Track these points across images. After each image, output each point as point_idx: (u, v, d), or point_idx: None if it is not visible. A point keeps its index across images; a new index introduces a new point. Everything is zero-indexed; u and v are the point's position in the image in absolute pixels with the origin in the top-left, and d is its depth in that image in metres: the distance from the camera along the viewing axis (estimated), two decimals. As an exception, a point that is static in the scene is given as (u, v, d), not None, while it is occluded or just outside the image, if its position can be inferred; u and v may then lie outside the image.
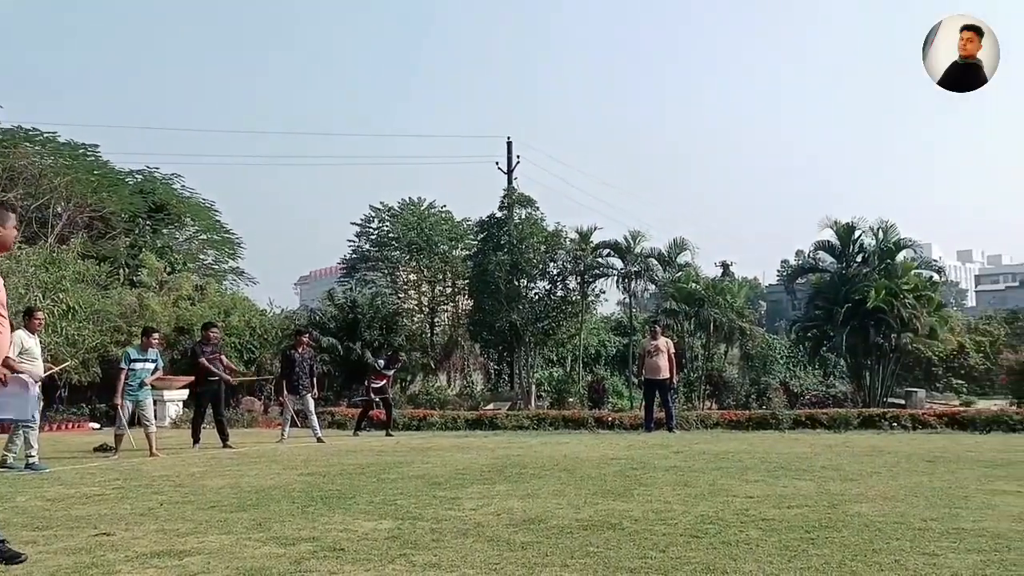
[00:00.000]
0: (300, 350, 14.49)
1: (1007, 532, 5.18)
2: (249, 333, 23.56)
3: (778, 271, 75.98)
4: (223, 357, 13.83)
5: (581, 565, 4.44)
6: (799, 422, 16.00)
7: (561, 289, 28.77)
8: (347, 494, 7.16)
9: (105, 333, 19.88)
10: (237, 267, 36.86)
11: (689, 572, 4.28)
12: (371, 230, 41.43)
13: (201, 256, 34.72)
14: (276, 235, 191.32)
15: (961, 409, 18.40)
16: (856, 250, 30.31)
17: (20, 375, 5.62)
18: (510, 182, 29.69)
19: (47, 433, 15.34)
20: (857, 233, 30.05)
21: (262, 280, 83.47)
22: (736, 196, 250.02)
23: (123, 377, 11.51)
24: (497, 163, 30.63)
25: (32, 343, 9.91)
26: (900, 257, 29.74)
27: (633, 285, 30.87)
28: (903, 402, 26.17)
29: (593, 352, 37.63)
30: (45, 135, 29.21)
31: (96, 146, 30.72)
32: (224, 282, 32.55)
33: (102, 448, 12.09)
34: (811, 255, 32.75)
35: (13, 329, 9.60)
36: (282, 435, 14.03)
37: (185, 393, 18.58)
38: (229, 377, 13.80)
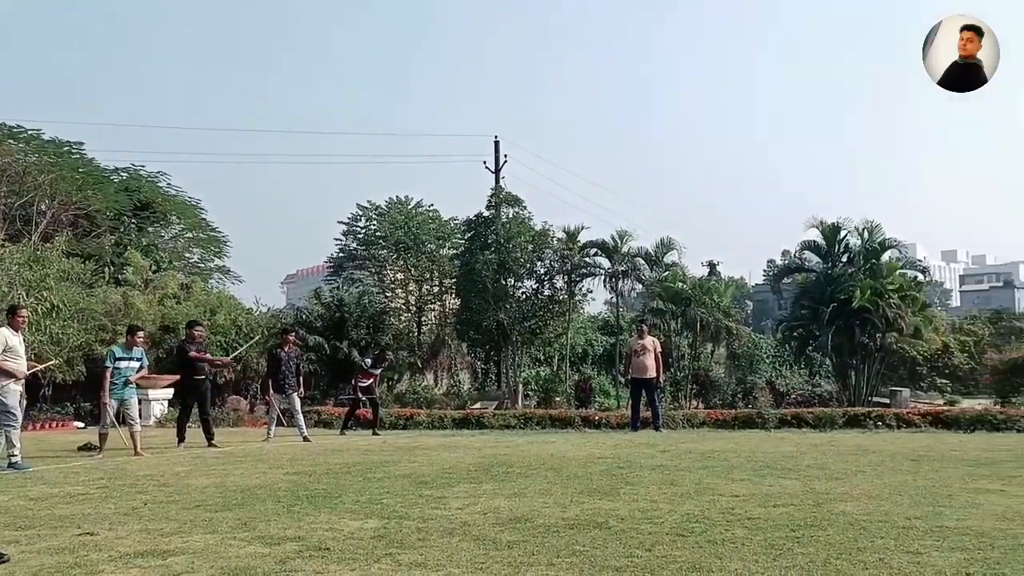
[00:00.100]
0: (286, 349, 14.45)
1: (990, 531, 5.22)
2: (235, 332, 23.45)
3: (764, 271, 76.32)
4: (207, 355, 13.79)
5: (567, 564, 4.44)
6: (785, 421, 16.04)
7: (548, 288, 28.75)
8: (333, 493, 7.14)
9: (90, 332, 19.74)
10: (223, 265, 36.73)
11: (675, 571, 4.29)
12: (358, 229, 41.36)
13: (187, 254, 34.55)
14: (263, 234, 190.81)
15: (945, 408, 18.48)
16: (842, 250, 30.43)
17: None
18: (497, 181, 29.66)
19: (31, 432, 15.25)
20: (843, 233, 30.17)
21: (248, 279, 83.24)
22: (723, 196, 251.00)
23: (108, 376, 11.45)
24: (485, 162, 30.60)
25: (16, 341, 9.86)
26: (885, 257, 29.86)
27: (620, 284, 30.88)
28: (888, 401, 26.24)
29: (580, 351, 37.65)
30: (29, 132, 29.02)
31: (81, 143, 30.60)
32: (210, 281, 32.41)
33: (86, 447, 12.02)
34: (797, 255, 32.86)
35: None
36: (268, 434, 13.99)
37: (170, 392, 18.52)
38: (222, 359, 15.14)
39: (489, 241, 27.50)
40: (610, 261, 29.87)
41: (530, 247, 27.77)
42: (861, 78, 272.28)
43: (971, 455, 10.07)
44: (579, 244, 29.21)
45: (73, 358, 18.94)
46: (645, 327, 16.66)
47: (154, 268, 25.54)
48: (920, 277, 31.80)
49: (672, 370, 28.78)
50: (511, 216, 28.14)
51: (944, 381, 37.90)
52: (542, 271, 28.63)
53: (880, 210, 63.88)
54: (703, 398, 30.72)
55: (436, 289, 37.62)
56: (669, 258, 31.89)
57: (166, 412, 18.61)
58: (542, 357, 34.66)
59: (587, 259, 29.70)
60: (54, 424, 18.44)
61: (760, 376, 35.26)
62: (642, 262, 30.91)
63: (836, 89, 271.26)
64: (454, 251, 34.66)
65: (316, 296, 28.86)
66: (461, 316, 29.39)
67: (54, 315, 18.19)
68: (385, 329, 27.86)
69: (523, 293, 28.41)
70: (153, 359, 17.90)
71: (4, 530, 5.53)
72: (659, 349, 15.77)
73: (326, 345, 25.19)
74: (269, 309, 28.69)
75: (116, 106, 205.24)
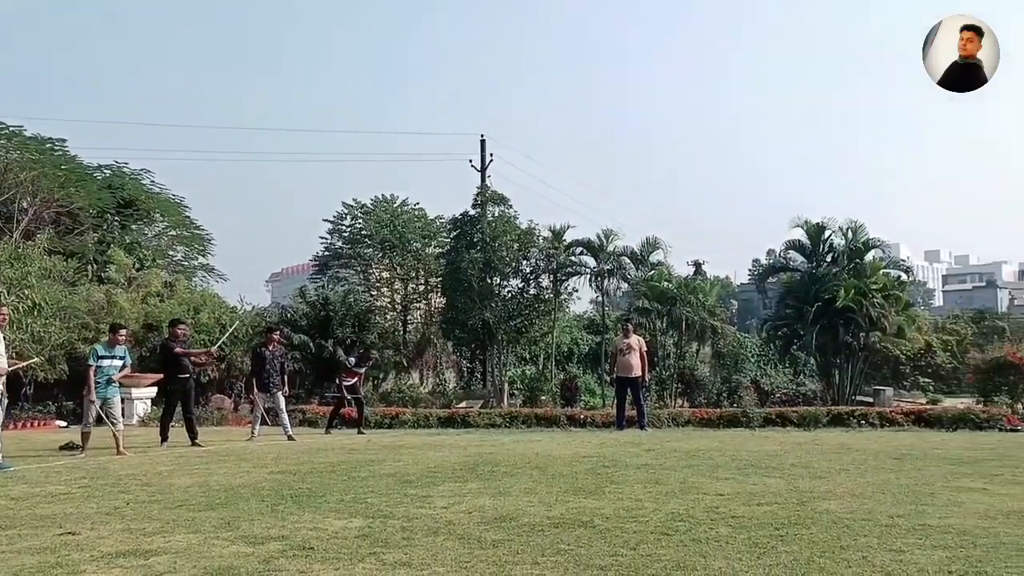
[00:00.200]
0: (271, 347, 14.39)
1: (972, 529, 5.25)
2: (219, 330, 23.33)
3: (749, 270, 76.52)
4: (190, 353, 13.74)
5: (552, 563, 4.44)
6: (769, 420, 16.12)
7: (534, 287, 28.77)
8: (317, 492, 7.12)
9: (72, 330, 19.60)
10: (207, 264, 36.50)
11: (659, 569, 4.29)
12: (344, 227, 41.24)
13: (170, 252, 34.30)
14: (248, 232, 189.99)
15: (928, 407, 18.60)
16: (826, 250, 30.63)
17: None
18: (483, 180, 29.64)
19: (12, 431, 15.13)
20: (827, 233, 30.38)
21: (233, 277, 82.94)
22: (709, 196, 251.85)
23: (92, 374, 11.37)
24: (471, 161, 30.56)
25: (-4, 339, 9.77)
26: (869, 257, 30.08)
27: (606, 283, 30.95)
28: (871, 400, 26.42)
29: (565, 350, 37.67)
30: (11, 129, 28.74)
31: (63, 140, 30.29)
32: (194, 279, 32.22)
33: (68, 446, 11.93)
34: (782, 254, 33.06)
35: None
36: (252, 433, 13.92)
37: (153, 391, 18.43)
38: (206, 351, 15.29)
39: (475, 240, 27.49)
40: (596, 260, 29.91)
41: (516, 246, 27.77)
42: (846, 77, 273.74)
43: (953, 453, 10.14)
44: (565, 243, 29.24)
45: (55, 356, 18.81)
46: (630, 326, 16.68)
47: (137, 266, 25.36)
48: (903, 277, 32.02)
49: (657, 369, 28.84)
50: (497, 215, 28.13)
51: (927, 380, 38.18)
52: (528, 270, 28.67)
53: (864, 210, 64.32)
54: (688, 397, 30.82)
55: (422, 288, 37.59)
56: (655, 257, 31.99)
57: (149, 411, 18.50)
58: (528, 356, 34.66)
59: (573, 258, 29.74)
60: (36, 423, 18.30)
61: (745, 375, 35.40)
62: (628, 261, 30.98)
63: (822, 89, 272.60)
64: (440, 250, 34.63)
65: (301, 295, 28.75)
66: (447, 315, 29.37)
67: (36, 313, 18.06)
68: (370, 328, 27.81)
69: (509, 292, 28.42)
70: (136, 358, 17.78)
71: (-16, 530, 5.48)
72: (644, 348, 15.79)
73: (311, 344, 25.13)
74: (254, 307, 28.57)
75: (104, 105, 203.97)
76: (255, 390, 14.26)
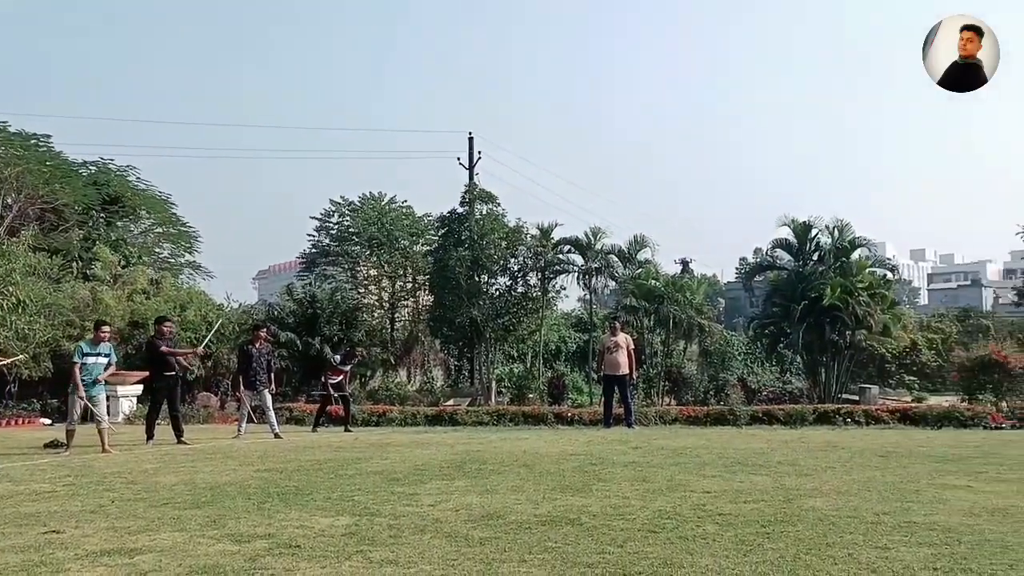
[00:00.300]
0: (258, 345, 14.34)
1: (957, 526, 5.28)
2: (205, 328, 23.24)
3: (737, 268, 76.83)
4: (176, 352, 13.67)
5: (539, 560, 4.44)
6: (756, 418, 16.17)
7: (522, 285, 28.80)
8: (304, 490, 7.09)
9: (57, 327, 19.49)
10: (194, 261, 36.35)
11: (646, 567, 4.30)
12: (331, 224, 41.12)
13: (157, 250, 34.14)
14: (235, 229, 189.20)
15: (913, 405, 18.71)
16: (812, 248, 30.75)
17: None
18: (471, 178, 29.60)
19: (-4, 429, 15.03)
20: (814, 232, 30.51)
21: (219, 275, 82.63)
22: (697, 195, 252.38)
23: (77, 372, 11.30)
24: (459, 158, 30.50)
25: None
26: (855, 255, 30.22)
27: (593, 281, 30.97)
28: (857, 398, 26.54)
29: (553, 348, 37.70)
30: (-4, 124, 28.53)
31: (48, 136, 30.10)
32: (180, 276, 32.07)
33: (53, 444, 11.87)
34: (769, 253, 33.17)
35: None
36: (239, 431, 13.89)
37: (139, 388, 18.33)
38: (192, 350, 15.56)
39: (463, 238, 27.48)
40: (584, 258, 29.95)
41: (504, 244, 27.77)
42: (835, 79, 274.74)
43: (938, 451, 10.19)
44: (553, 241, 29.28)
45: (40, 354, 18.70)
46: (618, 324, 16.69)
47: (123, 263, 25.23)
48: (889, 275, 32.17)
49: (645, 367, 28.88)
50: (485, 213, 28.12)
51: (912, 378, 38.39)
52: (516, 268, 28.68)
53: (850, 209, 64.67)
54: (675, 395, 30.88)
55: (409, 285, 37.54)
56: (642, 255, 32.06)
57: (135, 409, 18.40)
58: (515, 354, 34.68)
59: (560, 256, 29.78)
60: (20, 421, 18.19)
61: (732, 373, 35.50)
62: (615, 259, 31.02)
63: (811, 89, 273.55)
64: (427, 247, 34.60)
65: (288, 292, 28.66)
66: (434, 313, 29.35)
67: (20, 310, 17.94)
68: (358, 325, 27.75)
69: (496, 290, 28.43)
70: (122, 355, 17.69)
71: (-33, 529, 5.43)
72: (632, 346, 15.79)
73: (298, 341, 25.06)
74: (240, 305, 28.47)
75: (105, 104, 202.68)
76: (242, 388, 14.21)
